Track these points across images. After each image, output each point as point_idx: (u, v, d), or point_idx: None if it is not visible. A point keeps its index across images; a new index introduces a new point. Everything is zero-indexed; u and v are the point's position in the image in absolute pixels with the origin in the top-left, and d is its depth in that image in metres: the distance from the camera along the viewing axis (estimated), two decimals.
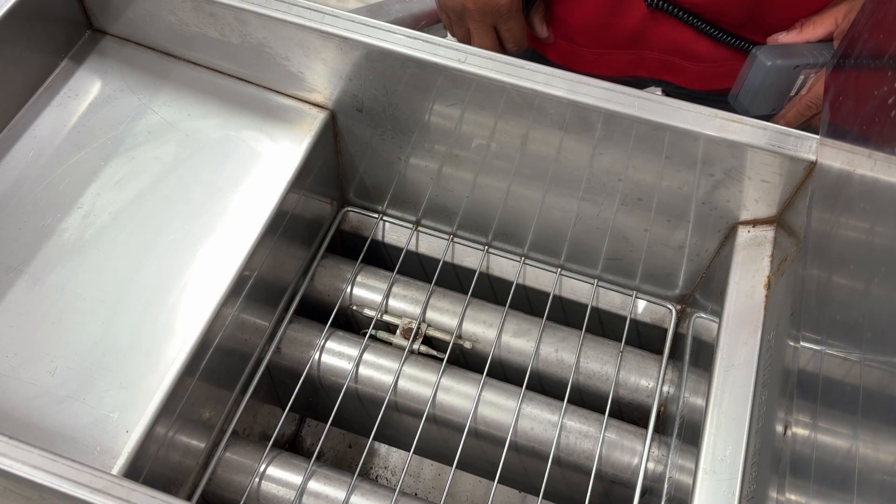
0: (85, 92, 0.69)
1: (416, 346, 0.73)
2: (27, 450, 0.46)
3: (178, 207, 0.63)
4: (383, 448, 0.92)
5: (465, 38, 0.73)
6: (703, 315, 0.67)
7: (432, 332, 0.74)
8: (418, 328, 0.74)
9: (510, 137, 0.64)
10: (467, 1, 0.69)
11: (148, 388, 0.56)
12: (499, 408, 0.70)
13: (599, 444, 0.68)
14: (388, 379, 0.71)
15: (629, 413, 0.73)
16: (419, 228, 0.79)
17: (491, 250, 0.78)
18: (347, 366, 0.72)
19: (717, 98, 0.76)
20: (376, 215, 0.80)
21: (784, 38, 0.67)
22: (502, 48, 0.74)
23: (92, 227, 0.62)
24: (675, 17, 0.70)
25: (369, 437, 0.69)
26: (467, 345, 0.74)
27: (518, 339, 0.74)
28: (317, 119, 0.69)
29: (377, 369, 0.72)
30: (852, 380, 0.38)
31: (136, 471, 0.54)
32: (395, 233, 0.80)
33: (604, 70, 0.78)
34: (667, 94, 0.83)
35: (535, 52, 0.81)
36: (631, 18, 0.72)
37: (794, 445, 0.45)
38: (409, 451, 0.71)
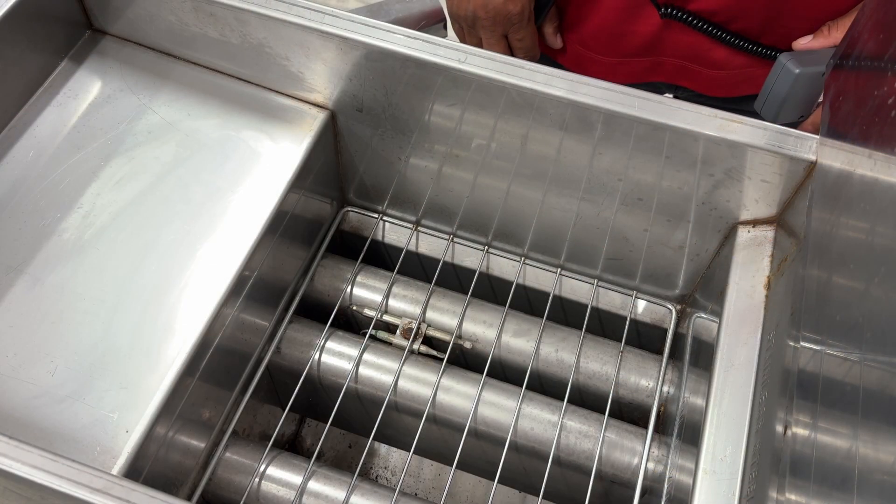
0: (85, 92, 0.69)
1: (416, 346, 0.73)
2: (27, 450, 0.46)
3: (178, 207, 0.63)
4: (383, 448, 0.92)
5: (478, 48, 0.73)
6: (703, 315, 0.67)
7: (432, 332, 0.74)
8: (418, 328, 0.74)
9: (510, 137, 0.64)
10: (479, 10, 0.69)
11: (148, 388, 0.56)
12: (499, 408, 0.70)
13: (599, 444, 0.68)
14: (388, 379, 0.71)
15: (629, 413, 0.73)
16: (419, 228, 0.79)
17: (491, 250, 0.78)
18: (347, 366, 0.72)
19: (736, 104, 0.75)
20: (376, 215, 0.80)
21: (810, 43, 0.66)
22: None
23: (92, 227, 0.62)
24: (689, 25, 0.70)
25: (369, 437, 0.69)
26: (467, 345, 0.74)
27: (518, 339, 0.74)
28: (317, 119, 0.69)
29: (377, 369, 0.72)
30: (852, 380, 0.38)
31: (136, 471, 0.54)
32: (395, 233, 0.80)
33: (620, 77, 0.77)
34: (687, 100, 0.82)
35: (550, 60, 0.81)
36: (646, 26, 0.72)
37: (794, 445, 0.45)
38: (409, 451, 0.71)
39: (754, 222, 0.63)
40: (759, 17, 0.68)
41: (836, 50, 0.57)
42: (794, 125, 0.63)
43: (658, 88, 0.80)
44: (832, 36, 0.65)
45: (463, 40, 0.75)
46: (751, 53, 0.71)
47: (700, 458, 0.54)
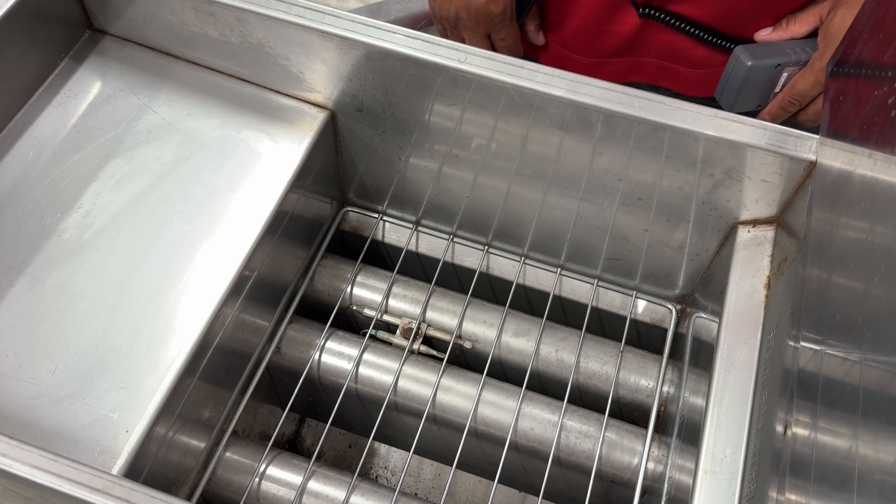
0: (85, 92, 0.69)
1: (416, 346, 0.73)
2: (27, 450, 0.46)
3: (178, 207, 0.63)
4: (383, 448, 0.92)
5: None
6: (703, 315, 0.67)
7: (432, 332, 0.74)
8: (418, 328, 0.74)
9: (510, 137, 0.64)
10: (461, 10, 0.70)
11: (148, 388, 0.56)
12: (499, 408, 0.70)
13: (599, 444, 0.68)
14: (388, 379, 0.71)
15: (629, 413, 0.73)
16: (419, 228, 0.79)
17: (491, 250, 0.78)
18: (347, 366, 0.72)
19: (714, 104, 0.76)
20: (376, 215, 0.80)
21: (769, 35, 0.68)
22: None
23: (92, 227, 0.62)
24: (667, 24, 0.70)
25: (369, 437, 0.69)
26: (467, 345, 0.74)
27: (518, 339, 0.74)
28: (317, 119, 0.69)
29: (377, 369, 0.72)
30: (852, 380, 0.38)
31: (136, 471, 0.54)
32: (395, 233, 0.80)
33: (601, 78, 0.78)
34: None
35: (532, 60, 0.81)
36: (625, 26, 0.73)
37: (794, 445, 0.45)
38: (409, 451, 0.71)
39: (754, 222, 0.63)
40: (736, 20, 0.69)
41: (836, 50, 0.57)
42: (753, 114, 0.65)
43: (640, 89, 0.81)
44: (790, 29, 0.67)
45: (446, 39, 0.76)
46: (729, 52, 0.71)
47: (700, 458, 0.54)
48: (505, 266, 0.78)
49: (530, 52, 0.81)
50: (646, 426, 0.69)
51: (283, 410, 0.70)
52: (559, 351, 0.73)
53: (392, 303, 0.76)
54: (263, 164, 0.66)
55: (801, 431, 0.44)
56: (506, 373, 0.75)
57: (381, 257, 0.82)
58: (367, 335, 0.74)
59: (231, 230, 0.63)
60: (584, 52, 0.77)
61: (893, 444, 0.32)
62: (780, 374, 0.52)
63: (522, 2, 0.73)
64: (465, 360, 0.77)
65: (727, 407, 0.56)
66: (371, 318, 0.75)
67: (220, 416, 0.67)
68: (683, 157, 0.59)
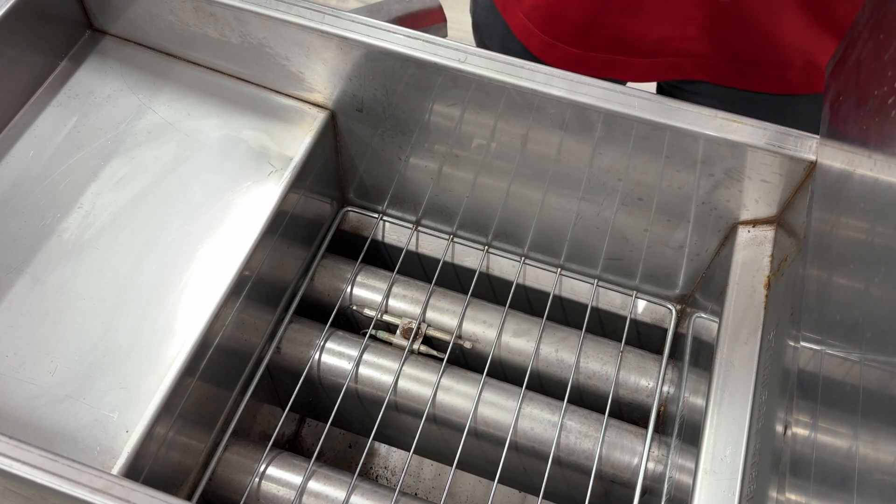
0: (85, 92, 0.69)
1: (416, 346, 0.73)
2: (27, 450, 0.46)
3: (178, 207, 0.63)
4: (383, 448, 0.92)
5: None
6: (703, 315, 0.67)
7: (432, 332, 0.74)
8: (418, 328, 0.74)
9: (510, 137, 0.64)
10: None
11: (148, 388, 0.56)
12: (499, 408, 0.70)
13: (599, 444, 0.68)
14: (388, 379, 0.71)
15: (629, 413, 0.73)
16: (419, 228, 0.79)
17: (491, 250, 0.78)
18: (347, 366, 0.72)
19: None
20: (376, 215, 0.80)
21: None
22: None
23: (92, 227, 0.62)
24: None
25: (369, 437, 0.69)
26: (467, 345, 0.74)
27: (518, 339, 0.74)
28: (317, 119, 0.69)
29: (377, 369, 0.72)
30: (852, 380, 0.38)
31: (136, 471, 0.54)
32: (395, 233, 0.80)
33: (553, 61, 0.76)
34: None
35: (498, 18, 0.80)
36: (580, 11, 0.71)
37: (794, 445, 0.45)
38: (409, 451, 0.71)
39: (754, 222, 0.63)
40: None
41: (836, 50, 0.57)
42: None
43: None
44: None
45: None
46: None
47: (700, 458, 0.54)
48: (505, 266, 0.78)
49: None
50: (646, 426, 0.69)
51: (283, 410, 0.70)
52: (559, 351, 0.73)
53: (392, 303, 0.76)
54: (263, 164, 0.66)
55: (801, 431, 0.44)
56: (506, 373, 0.75)
57: (381, 257, 0.82)
58: (367, 335, 0.74)
59: (231, 230, 0.63)
60: (542, 28, 0.75)
61: (893, 444, 0.32)
62: (780, 374, 0.52)
63: None
64: (465, 360, 0.77)
65: (727, 407, 0.56)
66: (371, 318, 0.75)
67: (220, 416, 0.67)
68: (683, 157, 0.59)
